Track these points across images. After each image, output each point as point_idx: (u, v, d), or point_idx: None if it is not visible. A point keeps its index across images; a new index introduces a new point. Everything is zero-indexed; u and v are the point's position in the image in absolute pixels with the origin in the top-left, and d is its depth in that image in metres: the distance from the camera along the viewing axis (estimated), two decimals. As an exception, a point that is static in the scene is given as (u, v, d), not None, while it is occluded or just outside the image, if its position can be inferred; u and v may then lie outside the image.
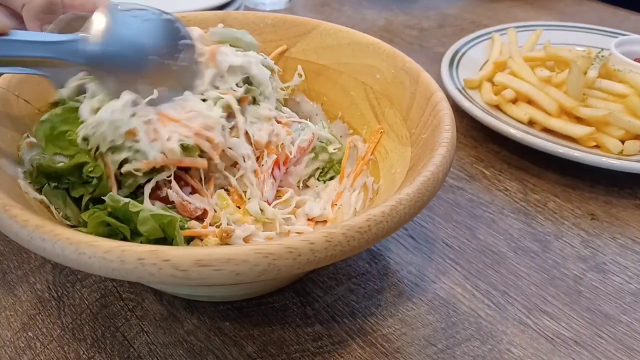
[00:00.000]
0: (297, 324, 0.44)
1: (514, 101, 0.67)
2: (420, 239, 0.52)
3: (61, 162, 0.41)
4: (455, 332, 0.44)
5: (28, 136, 0.44)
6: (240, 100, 0.48)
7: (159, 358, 0.41)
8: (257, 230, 0.44)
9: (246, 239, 0.43)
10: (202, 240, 0.42)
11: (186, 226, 0.42)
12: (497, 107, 0.67)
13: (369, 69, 0.54)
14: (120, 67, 0.44)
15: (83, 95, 0.44)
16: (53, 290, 0.46)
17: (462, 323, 0.45)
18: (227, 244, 0.42)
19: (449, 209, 0.56)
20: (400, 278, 0.49)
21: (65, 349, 0.41)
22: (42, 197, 0.41)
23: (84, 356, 0.41)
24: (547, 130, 0.64)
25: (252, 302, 0.46)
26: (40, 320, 0.43)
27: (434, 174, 0.38)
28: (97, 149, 0.41)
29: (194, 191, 0.45)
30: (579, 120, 0.63)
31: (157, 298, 0.46)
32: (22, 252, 0.49)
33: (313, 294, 0.47)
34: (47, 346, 0.42)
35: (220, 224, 0.43)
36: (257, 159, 0.48)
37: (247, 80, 0.49)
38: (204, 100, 0.46)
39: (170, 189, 0.43)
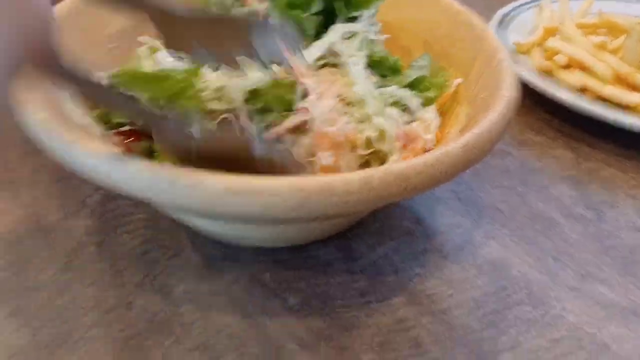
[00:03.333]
0: (341, 279, 0.43)
1: (566, 67, 0.64)
2: (467, 202, 0.50)
3: None
4: (505, 295, 0.42)
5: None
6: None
7: (199, 306, 0.40)
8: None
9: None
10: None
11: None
12: (548, 73, 0.64)
13: (431, 26, 0.51)
14: None
15: None
16: (91, 236, 0.45)
17: (512, 287, 0.43)
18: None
19: (498, 174, 0.54)
20: (447, 240, 0.47)
21: (105, 293, 0.41)
22: (86, 120, 0.41)
23: (124, 300, 0.40)
24: (600, 98, 0.61)
25: (294, 256, 0.44)
26: (78, 264, 0.42)
27: (488, 131, 0.36)
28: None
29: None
30: (634, 88, 0.60)
31: (198, 247, 0.44)
32: (58, 197, 0.48)
33: (357, 251, 0.45)
34: (87, 289, 0.41)
35: None
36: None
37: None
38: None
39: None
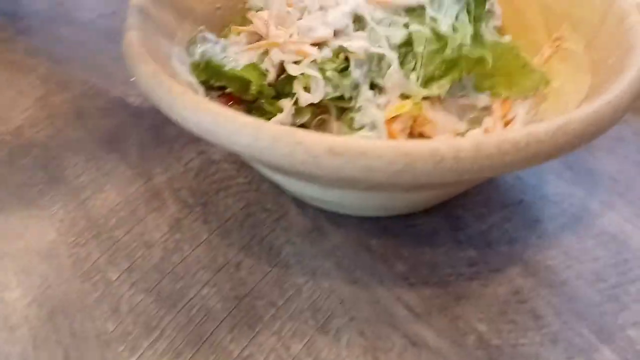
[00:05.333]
0: (448, 247, 0.41)
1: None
2: (579, 172, 0.48)
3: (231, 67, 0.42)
4: (627, 269, 0.40)
5: (201, 31, 0.44)
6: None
7: (307, 268, 0.40)
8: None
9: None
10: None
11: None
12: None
13: None
14: None
15: None
16: (197, 197, 0.45)
17: (635, 260, 0.40)
18: None
19: (612, 142, 0.51)
20: (562, 211, 0.44)
21: (214, 253, 0.41)
22: (191, 79, 0.41)
23: (232, 261, 0.40)
24: None
25: (399, 224, 0.43)
26: (186, 225, 0.43)
27: (617, 98, 0.33)
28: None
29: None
30: None
31: (301, 211, 0.44)
32: (165, 159, 0.49)
33: (464, 220, 0.43)
34: (195, 249, 0.41)
35: None
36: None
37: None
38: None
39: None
